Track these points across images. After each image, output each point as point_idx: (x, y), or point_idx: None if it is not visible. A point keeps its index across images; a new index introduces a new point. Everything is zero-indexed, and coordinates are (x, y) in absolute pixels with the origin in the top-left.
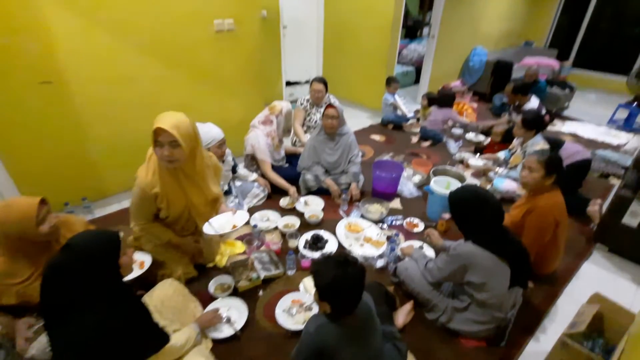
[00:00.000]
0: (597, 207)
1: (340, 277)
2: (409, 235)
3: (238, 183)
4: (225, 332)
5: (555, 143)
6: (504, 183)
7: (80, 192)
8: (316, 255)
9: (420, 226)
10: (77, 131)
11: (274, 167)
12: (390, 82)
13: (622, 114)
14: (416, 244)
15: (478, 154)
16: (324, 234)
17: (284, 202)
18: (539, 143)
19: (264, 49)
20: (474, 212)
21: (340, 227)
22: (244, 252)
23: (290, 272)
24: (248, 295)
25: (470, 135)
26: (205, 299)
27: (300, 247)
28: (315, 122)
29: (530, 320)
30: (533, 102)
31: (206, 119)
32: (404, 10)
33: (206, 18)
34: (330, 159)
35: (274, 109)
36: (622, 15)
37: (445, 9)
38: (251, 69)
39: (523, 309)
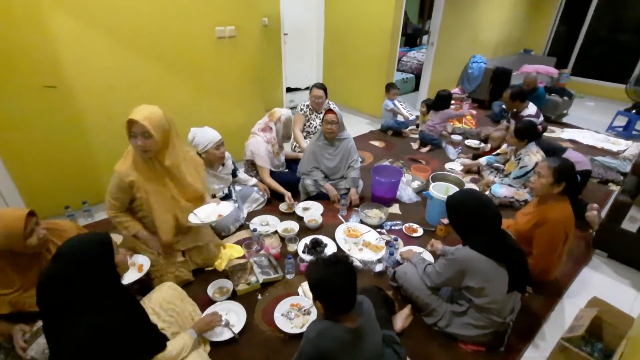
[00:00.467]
0: (595, 213)
1: (330, 274)
2: (408, 240)
3: (238, 187)
4: (224, 335)
5: (557, 150)
6: (502, 189)
7: (81, 196)
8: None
9: (419, 231)
10: (78, 135)
11: (273, 173)
12: (389, 88)
13: (621, 121)
14: (415, 248)
15: (459, 160)
16: (323, 238)
17: (283, 206)
18: (532, 151)
19: (264, 56)
20: (471, 216)
21: (340, 232)
22: (243, 256)
23: (289, 276)
24: (247, 299)
25: (470, 142)
26: (204, 302)
27: (300, 252)
28: (315, 127)
29: (529, 325)
30: (530, 109)
31: (207, 124)
32: (404, 19)
33: (208, 25)
34: (329, 164)
35: (273, 115)
36: (620, 24)
37: (445, 17)
38: (252, 76)
39: (522, 314)
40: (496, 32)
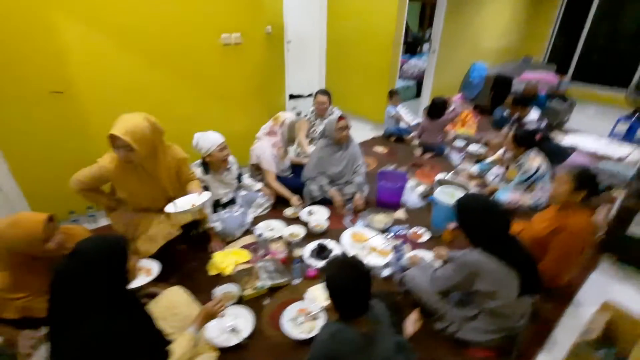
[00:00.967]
0: (601, 217)
1: (346, 274)
2: (414, 245)
3: (243, 192)
4: (232, 341)
5: (562, 153)
6: (506, 195)
7: (86, 201)
8: (321, 264)
9: (425, 236)
10: (85, 141)
11: (278, 177)
12: (392, 94)
13: (623, 127)
14: (422, 253)
15: (461, 166)
16: (329, 243)
17: (288, 211)
18: (532, 157)
19: (268, 63)
20: (481, 219)
21: (346, 237)
22: (249, 261)
23: (296, 281)
24: (254, 304)
25: (472, 148)
26: None
27: (306, 256)
28: (319, 134)
29: (540, 331)
30: (533, 115)
31: (212, 129)
32: (404, 27)
33: (214, 32)
34: (335, 169)
35: (278, 119)
36: (618, 31)
37: (446, 25)
38: (256, 82)
39: (532, 320)
40: (496, 40)
